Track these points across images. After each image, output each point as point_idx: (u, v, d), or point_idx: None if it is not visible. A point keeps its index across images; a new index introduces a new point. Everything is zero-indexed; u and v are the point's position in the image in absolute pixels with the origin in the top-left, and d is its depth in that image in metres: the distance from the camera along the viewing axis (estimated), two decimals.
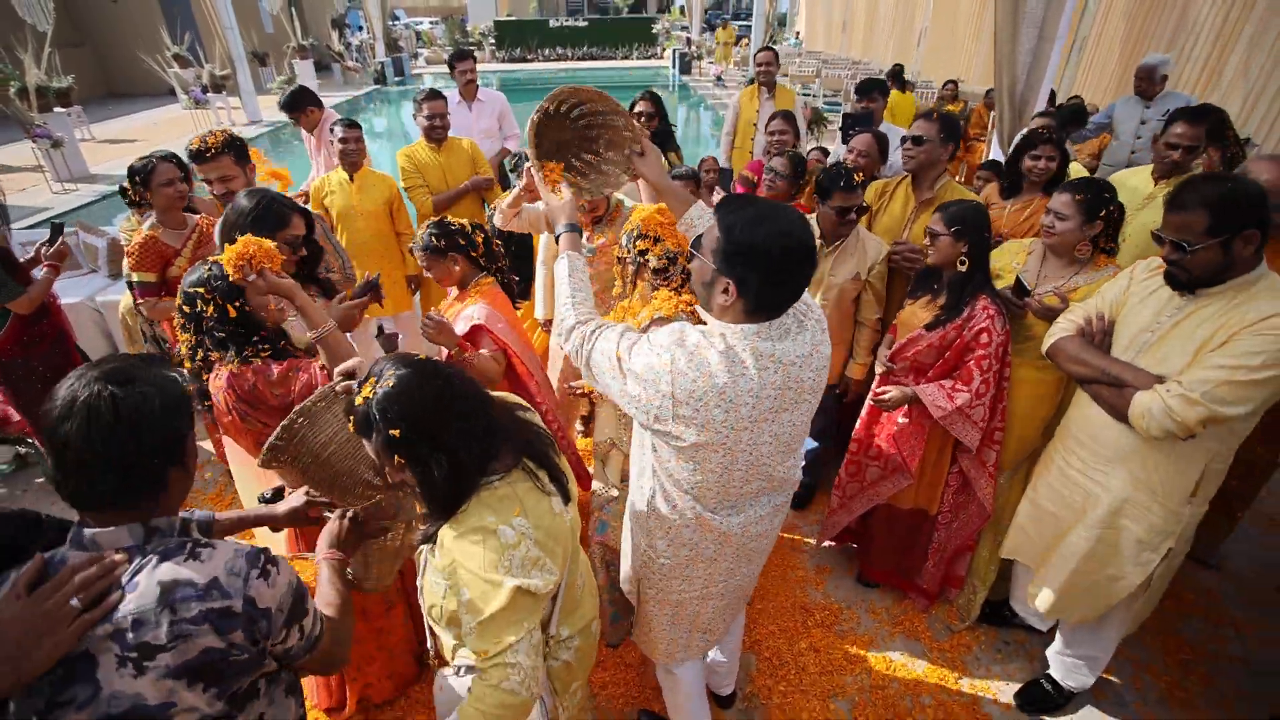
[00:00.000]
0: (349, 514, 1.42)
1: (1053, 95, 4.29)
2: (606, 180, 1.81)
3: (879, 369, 2.39)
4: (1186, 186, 1.62)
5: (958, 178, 4.64)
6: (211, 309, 1.71)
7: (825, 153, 4.21)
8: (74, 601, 0.89)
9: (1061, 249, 2.10)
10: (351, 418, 1.22)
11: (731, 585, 1.62)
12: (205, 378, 1.81)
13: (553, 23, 21.50)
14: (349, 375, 1.38)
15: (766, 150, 3.55)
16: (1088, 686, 2.19)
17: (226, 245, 1.70)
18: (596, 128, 1.76)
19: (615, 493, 2.16)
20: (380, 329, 3.09)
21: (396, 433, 1.14)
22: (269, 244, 1.67)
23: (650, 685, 2.30)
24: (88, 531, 0.96)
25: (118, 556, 0.94)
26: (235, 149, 2.41)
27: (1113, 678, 2.34)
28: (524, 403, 1.46)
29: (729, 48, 17.46)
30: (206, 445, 3.49)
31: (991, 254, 2.34)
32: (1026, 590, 2.13)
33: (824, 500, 2.93)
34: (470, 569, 1.16)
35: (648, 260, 1.98)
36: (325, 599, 1.27)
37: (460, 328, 2.13)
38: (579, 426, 3.58)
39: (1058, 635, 2.21)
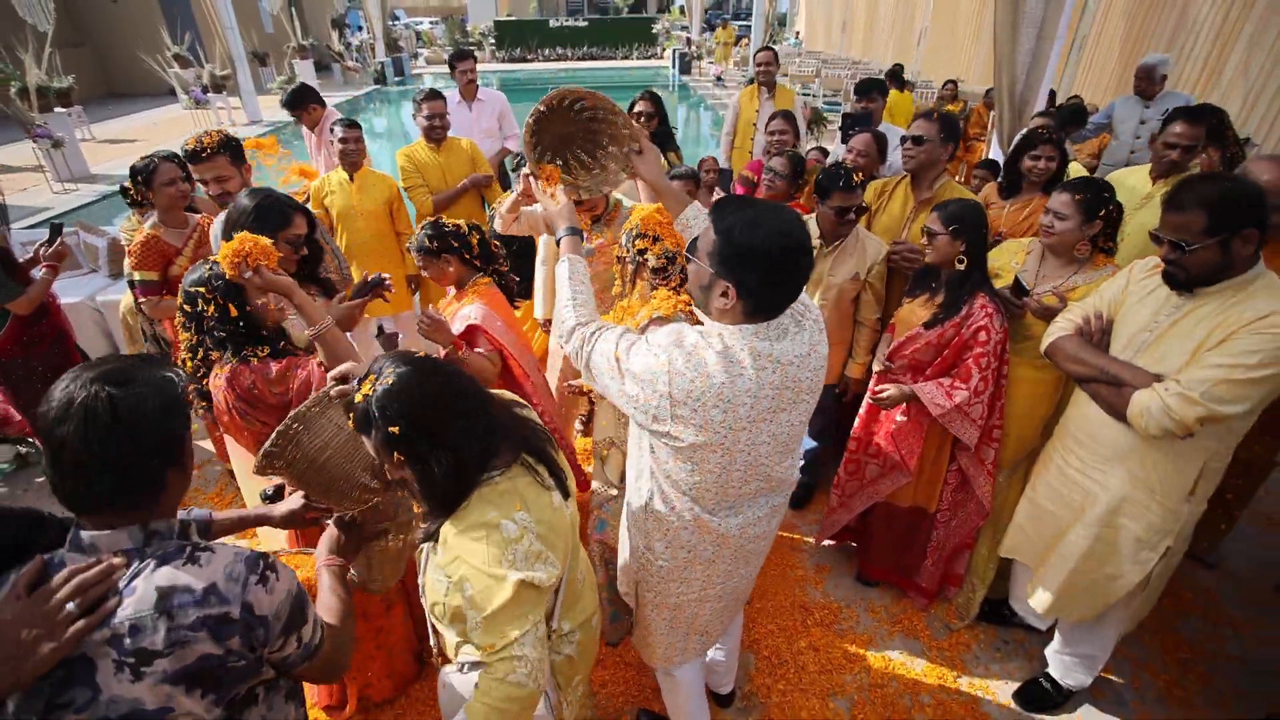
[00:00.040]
0: (346, 518, 1.42)
1: (1052, 95, 4.30)
2: (605, 178, 1.81)
3: (876, 367, 2.39)
4: (1184, 186, 1.62)
5: (957, 177, 4.64)
6: (212, 308, 1.71)
7: (824, 153, 4.22)
8: (71, 606, 0.88)
9: (1060, 249, 2.11)
10: (351, 416, 1.23)
11: (729, 587, 1.63)
12: (205, 382, 1.82)
13: (553, 23, 21.50)
14: (342, 379, 1.37)
15: (766, 150, 3.55)
16: (1086, 685, 2.19)
17: (223, 243, 1.70)
18: (599, 122, 1.76)
19: (614, 492, 2.17)
20: (380, 329, 3.11)
21: (396, 430, 1.14)
22: (265, 241, 1.66)
23: (649, 684, 2.31)
24: (86, 534, 0.96)
25: (116, 560, 0.93)
26: (231, 149, 2.41)
27: (1111, 676, 2.35)
28: (522, 400, 1.46)
29: (729, 48, 17.46)
30: (207, 445, 3.49)
31: (990, 253, 2.35)
32: (1025, 589, 2.14)
33: (823, 500, 2.94)
34: (474, 564, 1.17)
35: (647, 259, 1.98)
36: (326, 606, 1.26)
37: (457, 327, 2.14)
38: (578, 426, 3.58)
39: (1056, 634, 2.21)
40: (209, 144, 2.40)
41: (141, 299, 2.69)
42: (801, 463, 3.12)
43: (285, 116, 11.78)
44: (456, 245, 2.18)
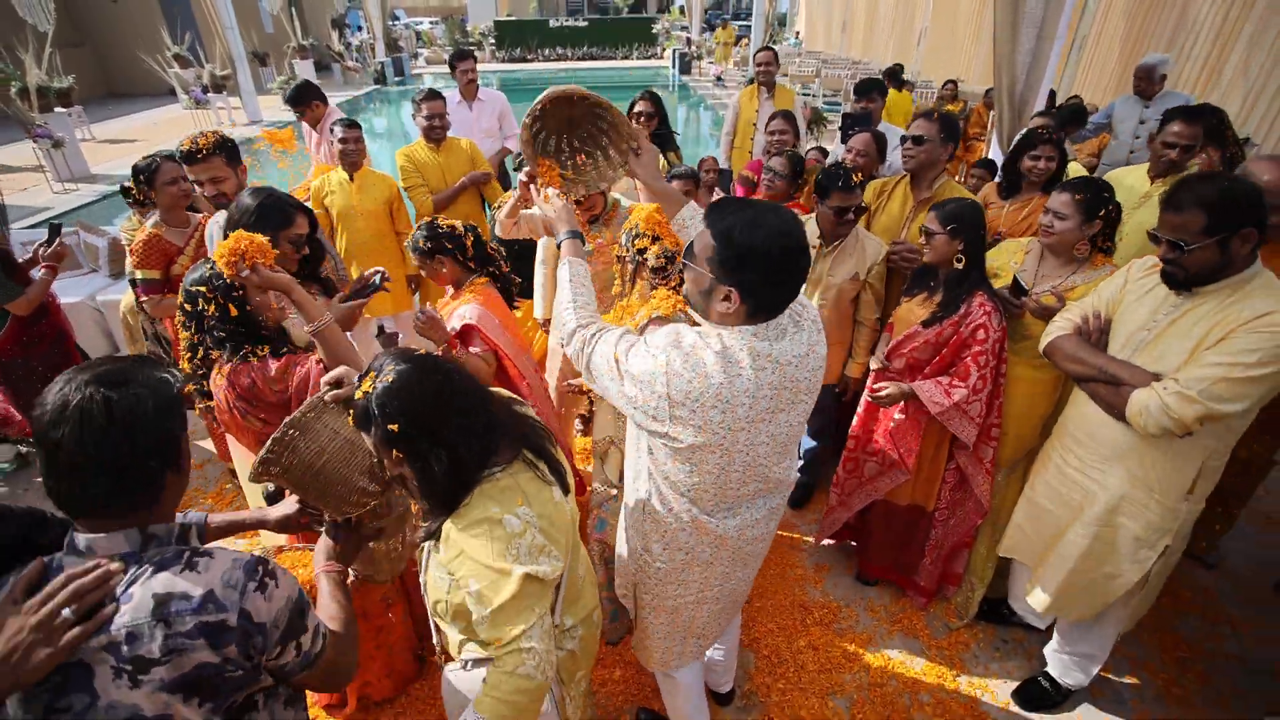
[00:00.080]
0: (341, 522, 1.39)
1: (1052, 95, 4.30)
2: (603, 174, 1.78)
3: (873, 365, 2.40)
4: (1182, 186, 1.62)
5: (957, 177, 4.64)
6: (212, 307, 1.72)
7: (824, 153, 4.22)
8: (67, 612, 0.87)
9: (1060, 248, 2.11)
10: (350, 414, 1.23)
11: (727, 589, 1.62)
12: (206, 382, 1.82)
13: (553, 23, 21.51)
14: (335, 384, 1.36)
15: (766, 150, 3.56)
16: (1085, 684, 2.19)
17: (218, 243, 1.70)
18: (599, 118, 1.74)
19: (614, 491, 2.17)
20: (380, 328, 3.08)
21: (395, 428, 1.15)
22: (260, 238, 1.66)
23: (649, 683, 2.31)
24: (83, 538, 0.94)
25: (113, 566, 0.92)
26: (227, 150, 2.40)
27: (1110, 675, 2.35)
28: (520, 398, 1.47)
29: (729, 48, 17.46)
30: (207, 445, 3.50)
31: (989, 253, 2.35)
32: (1024, 588, 2.14)
33: (822, 499, 2.94)
34: (478, 560, 1.18)
35: (646, 259, 1.99)
36: (328, 614, 1.24)
37: (452, 326, 2.15)
38: (578, 425, 3.58)
39: (1055, 633, 2.21)
40: (204, 145, 2.38)
41: (143, 297, 2.69)
42: (801, 463, 3.12)
43: (286, 117, 11.86)
44: (450, 247, 2.19)
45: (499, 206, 2.61)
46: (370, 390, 1.17)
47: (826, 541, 2.88)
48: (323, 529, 1.43)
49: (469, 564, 1.19)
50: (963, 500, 2.39)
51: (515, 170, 3.15)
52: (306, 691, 1.24)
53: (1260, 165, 2.10)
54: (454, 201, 3.75)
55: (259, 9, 15.96)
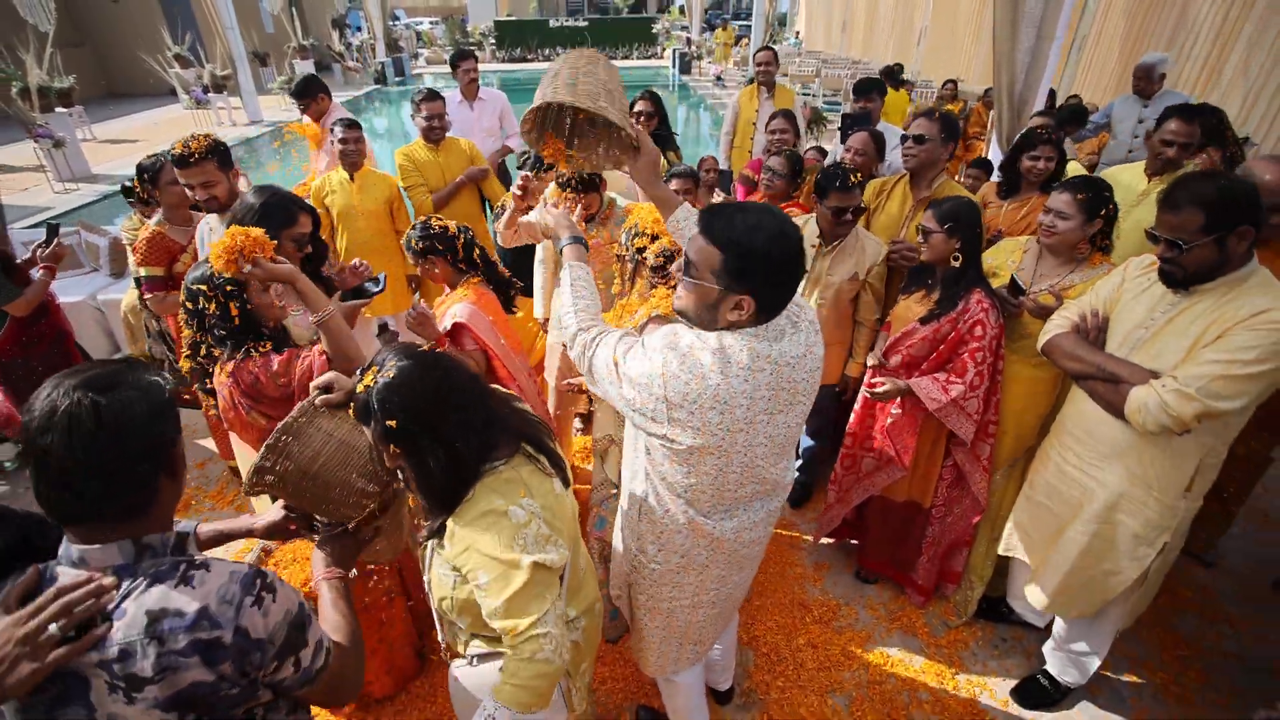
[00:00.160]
0: (338, 530, 1.35)
1: (1052, 94, 4.30)
2: (609, 154, 1.70)
3: (870, 362, 2.40)
4: (1180, 185, 1.63)
5: (957, 177, 4.65)
6: (213, 306, 1.72)
7: (822, 152, 4.22)
8: (53, 628, 0.85)
9: (1061, 248, 2.11)
10: (341, 418, 1.23)
11: (723, 594, 1.62)
12: (209, 380, 1.83)
13: (553, 23, 21.52)
14: (325, 389, 1.35)
15: (766, 149, 3.56)
16: (1084, 682, 2.20)
17: (211, 243, 1.70)
18: (602, 114, 1.70)
19: (614, 489, 2.18)
20: (385, 326, 3.11)
21: (394, 423, 1.16)
22: (257, 231, 1.66)
23: (648, 680, 2.31)
24: (76, 549, 0.92)
25: (107, 581, 0.89)
26: (219, 154, 2.37)
27: (1109, 673, 2.35)
28: (518, 396, 1.47)
29: (729, 48, 17.47)
30: (208, 444, 3.50)
31: (987, 252, 2.36)
32: (1023, 586, 2.15)
33: (821, 498, 2.94)
34: (486, 552, 1.19)
35: (646, 258, 2.00)
36: (331, 625, 1.19)
37: (445, 325, 2.16)
38: (578, 424, 3.59)
39: (1054, 631, 2.22)
40: (196, 149, 2.34)
41: (147, 295, 2.71)
42: (799, 462, 3.13)
43: (287, 117, 11.87)
44: (442, 248, 2.20)
45: (500, 208, 2.62)
46: (371, 384, 1.18)
47: (825, 540, 2.88)
48: (313, 535, 1.38)
49: (477, 557, 1.19)
50: (960, 497, 2.40)
51: (519, 169, 3.15)
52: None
53: (1260, 165, 2.10)
54: (453, 200, 3.75)
55: (259, 9, 15.98)
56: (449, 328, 2.16)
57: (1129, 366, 1.72)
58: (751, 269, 1.23)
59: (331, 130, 3.51)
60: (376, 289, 2.23)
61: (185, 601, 0.90)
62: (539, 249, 3.09)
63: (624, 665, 2.38)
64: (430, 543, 1.34)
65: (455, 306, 2.18)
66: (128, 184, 3.16)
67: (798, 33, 20.07)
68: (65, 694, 0.87)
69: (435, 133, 3.69)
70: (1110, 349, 1.81)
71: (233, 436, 1.99)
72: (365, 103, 14.70)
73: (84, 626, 0.87)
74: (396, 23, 20.96)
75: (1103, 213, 2.05)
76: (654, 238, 1.99)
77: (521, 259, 3.77)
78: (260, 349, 1.74)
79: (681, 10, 23.49)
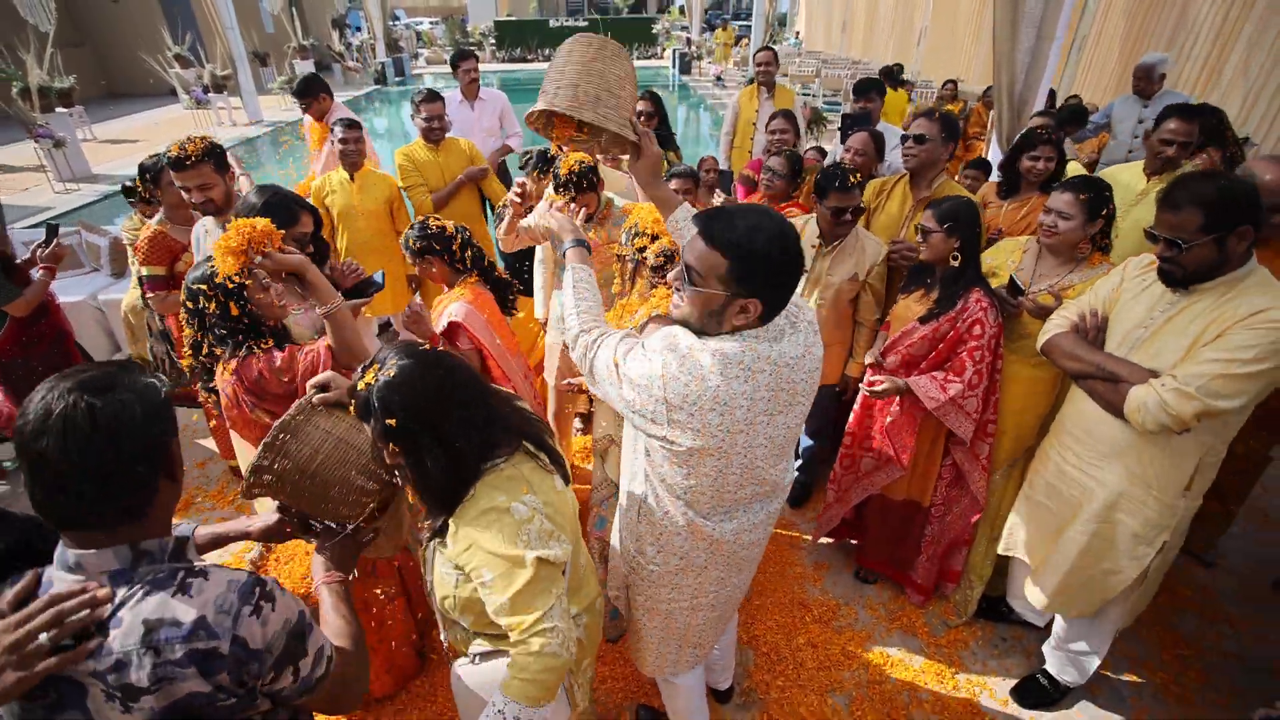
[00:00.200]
0: (337, 531, 1.33)
1: (1052, 94, 4.30)
2: (616, 141, 1.66)
3: (867, 359, 2.41)
4: (1179, 184, 1.63)
5: (957, 177, 4.65)
6: (213, 305, 1.72)
7: (822, 152, 4.22)
8: (43, 637, 0.84)
9: (1063, 248, 2.11)
10: (337, 416, 1.23)
11: (723, 596, 1.62)
12: (211, 379, 1.83)
13: (553, 23, 21.52)
14: (323, 387, 1.35)
15: (766, 149, 3.56)
16: (1084, 682, 2.20)
17: (216, 241, 1.70)
18: (606, 118, 1.61)
19: (614, 489, 2.18)
20: (384, 326, 3.11)
21: (393, 422, 1.16)
22: (263, 222, 1.66)
23: (648, 680, 2.31)
24: (72, 553, 0.90)
25: (101, 592, 0.88)
26: (215, 157, 2.36)
27: (1109, 673, 2.35)
28: (518, 394, 1.48)
29: (729, 48, 17.48)
30: (209, 444, 3.51)
31: (986, 252, 2.36)
32: (1023, 586, 2.15)
33: (821, 498, 2.94)
34: (490, 549, 1.19)
35: (646, 258, 2.00)
36: (334, 630, 1.18)
37: (442, 323, 2.17)
38: (578, 424, 3.59)
39: (1054, 630, 2.22)
40: (193, 151, 2.31)
41: (149, 294, 2.72)
42: (799, 462, 3.13)
43: (288, 117, 11.88)
44: (438, 248, 2.21)
45: (502, 207, 2.63)
46: (372, 382, 1.18)
47: (825, 539, 2.88)
48: (310, 537, 1.36)
49: (480, 555, 1.20)
50: (959, 497, 2.40)
51: (520, 168, 3.15)
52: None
53: (1261, 165, 2.11)
54: (453, 200, 3.76)
55: (260, 9, 15.99)
56: (444, 327, 2.16)
57: (1128, 366, 1.72)
58: (757, 271, 1.23)
59: (332, 130, 3.51)
60: (376, 288, 2.23)
61: (182, 611, 0.89)
62: (538, 249, 3.09)
63: (624, 665, 2.38)
64: (432, 542, 1.34)
65: (451, 306, 2.18)
66: (128, 184, 3.17)
67: (798, 33, 20.08)
68: (61, 700, 0.86)
69: (435, 133, 3.69)
70: (1109, 348, 1.81)
71: (234, 436, 1.99)
72: (365, 103, 14.71)
73: (79, 635, 0.86)
74: (396, 23, 20.98)
75: (1104, 213, 2.05)
76: (654, 237, 2.00)
77: (521, 258, 3.77)
78: (263, 346, 1.75)
79: (681, 10, 23.50)
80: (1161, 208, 1.65)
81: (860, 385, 2.39)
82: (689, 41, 19.00)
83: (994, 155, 3.69)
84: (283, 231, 1.71)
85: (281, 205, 1.93)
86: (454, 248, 2.22)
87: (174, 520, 1.05)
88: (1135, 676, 2.35)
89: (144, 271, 2.67)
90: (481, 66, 4.81)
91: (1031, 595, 2.09)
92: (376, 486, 1.34)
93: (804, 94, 12.26)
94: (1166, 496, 1.77)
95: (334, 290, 1.74)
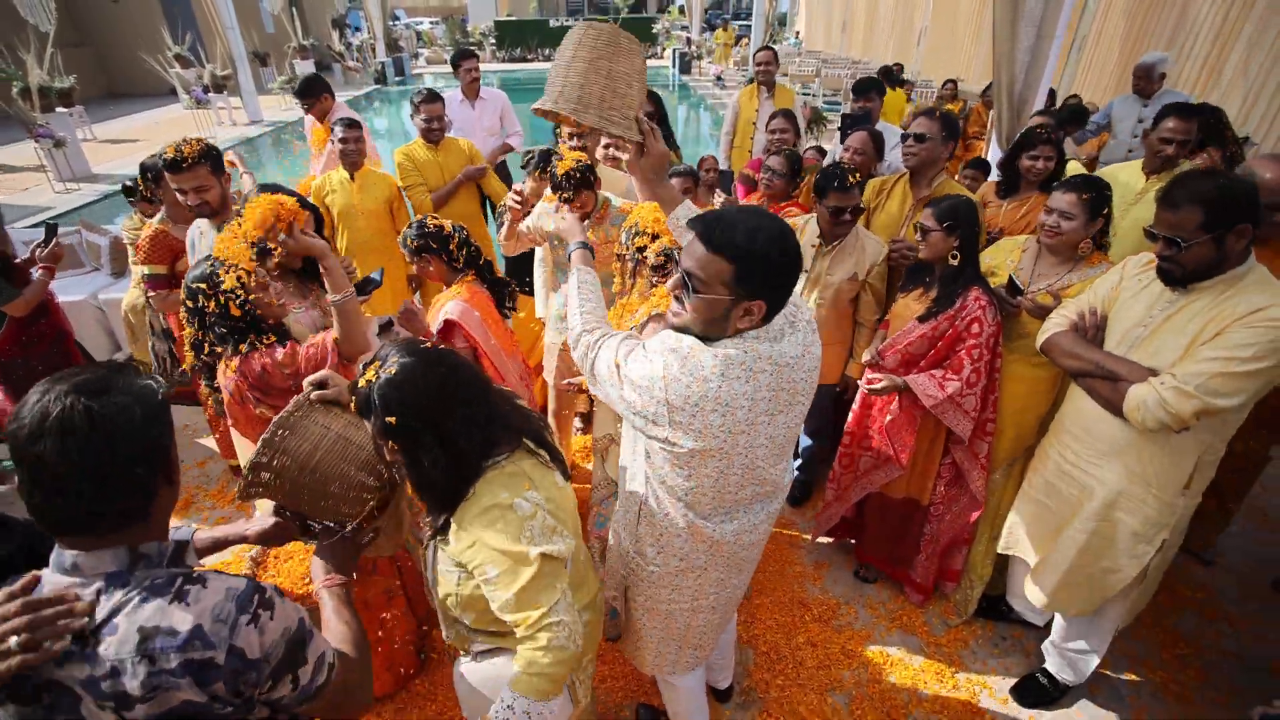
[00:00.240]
0: (335, 532, 1.31)
1: (1052, 94, 4.30)
2: (624, 128, 1.61)
3: (865, 358, 2.41)
4: (1178, 183, 1.63)
5: (956, 177, 4.65)
6: (212, 304, 1.73)
7: (821, 152, 4.22)
8: (12, 641, 0.83)
9: (1064, 248, 2.11)
10: (335, 414, 1.23)
11: (723, 597, 1.62)
12: (213, 380, 1.83)
13: (553, 23, 21.54)
14: (319, 385, 1.34)
15: (766, 149, 3.56)
16: (1083, 680, 2.20)
17: (244, 210, 1.70)
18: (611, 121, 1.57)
19: (614, 489, 2.18)
20: (390, 322, 3.06)
21: (394, 420, 1.16)
22: (292, 200, 1.67)
23: (648, 679, 2.32)
24: (69, 555, 0.90)
25: (79, 606, 0.86)
26: (211, 159, 2.35)
27: (1108, 672, 2.35)
28: (517, 393, 1.48)
29: (729, 48, 17.48)
30: (209, 443, 3.51)
31: (985, 252, 2.36)
32: (1023, 585, 2.15)
33: (821, 498, 2.94)
34: (494, 546, 1.19)
35: (646, 257, 2.00)
36: (336, 635, 1.16)
37: (438, 322, 2.17)
38: (578, 424, 3.59)
39: (1053, 629, 2.22)
40: (189, 154, 2.28)
41: (150, 293, 2.72)
42: (799, 461, 3.13)
43: (287, 117, 11.88)
44: (436, 246, 2.21)
45: (502, 208, 2.64)
46: (374, 379, 1.18)
47: (824, 539, 2.88)
48: (309, 538, 1.35)
49: (485, 552, 1.20)
50: (958, 495, 2.40)
51: (522, 168, 3.15)
52: None
53: (1261, 163, 2.11)
54: (452, 199, 3.76)
55: (260, 9, 16.00)
56: (440, 325, 2.17)
57: (1127, 364, 1.73)
58: (761, 273, 1.22)
59: (332, 129, 3.51)
60: (374, 286, 2.24)
61: (179, 619, 0.88)
62: (538, 249, 3.10)
63: (624, 663, 2.38)
64: (433, 540, 1.34)
65: (448, 303, 2.19)
66: (128, 183, 3.17)
67: (798, 33, 20.09)
68: (55, 707, 0.86)
69: (434, 134, 3.69)
70: (1109, 347, 1.81)
71: (235, 434, 1.99)
72: (365, 103, 14.71)
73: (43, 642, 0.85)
74: (396, 23, 21.00)
75: (1105, 211, 2.05)
76: (654, 237, 2.00)
77: (522, 258, 3.77)
78: (265, 341, 1.76)
79: (681, 10, 23.51)
80: (1161, 206, 1.65)
81: (860, 384, 2.40)
82: (689, 41, 19.01)
83: (993, 155, 3.70)
84: (307, 213, 1.72)
85: None
86: (451, 247, 2.23)
87: (174, 521, 1.04)
88: (1135, 675, 2.36)
89: (145, 270, 2.68)
90: (482, 66, 4.81)
91: (1031, 594, 2.09)
92: (377, 482, 1.33)
93: (804, 94, 12.26)
94: (1166, 495, 1.77)
95: (347, 281, 1.76)
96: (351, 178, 3.48)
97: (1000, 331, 2.15)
